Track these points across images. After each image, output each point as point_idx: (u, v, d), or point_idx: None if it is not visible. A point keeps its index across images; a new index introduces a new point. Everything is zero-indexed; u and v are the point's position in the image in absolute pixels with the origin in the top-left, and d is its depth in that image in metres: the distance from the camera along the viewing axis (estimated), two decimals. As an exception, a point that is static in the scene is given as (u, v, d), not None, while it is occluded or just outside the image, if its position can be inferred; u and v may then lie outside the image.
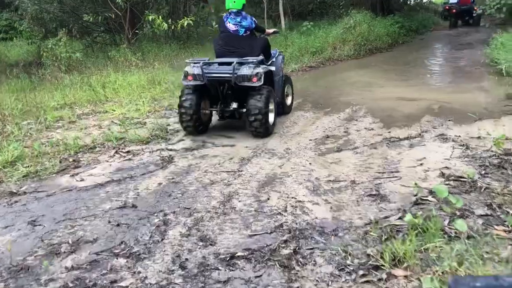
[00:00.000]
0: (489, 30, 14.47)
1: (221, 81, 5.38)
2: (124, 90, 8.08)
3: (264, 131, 5.33)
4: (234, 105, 5.57)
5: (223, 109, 5.64)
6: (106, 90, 8.12)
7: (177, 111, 5.89)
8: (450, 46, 13.98)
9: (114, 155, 5.00)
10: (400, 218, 3.10)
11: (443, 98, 7.01)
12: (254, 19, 5.86)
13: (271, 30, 6.67)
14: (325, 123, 6.00)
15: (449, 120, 5.65)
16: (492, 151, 4.34)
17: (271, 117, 5.49)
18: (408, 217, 2.81)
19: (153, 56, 11.20)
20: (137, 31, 12.48)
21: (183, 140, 5.51)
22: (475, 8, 18.12)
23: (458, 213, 3.07)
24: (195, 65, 5.36)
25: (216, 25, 12.63)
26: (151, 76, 8.84)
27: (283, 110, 6.40)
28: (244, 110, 5.38)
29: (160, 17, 10.59)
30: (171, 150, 5.13)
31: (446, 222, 2.95)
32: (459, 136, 4.94)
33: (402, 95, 7.42)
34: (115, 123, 6.29)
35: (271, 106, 5.49)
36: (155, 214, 3.45)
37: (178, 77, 8.44)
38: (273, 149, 4.97)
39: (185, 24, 10.71)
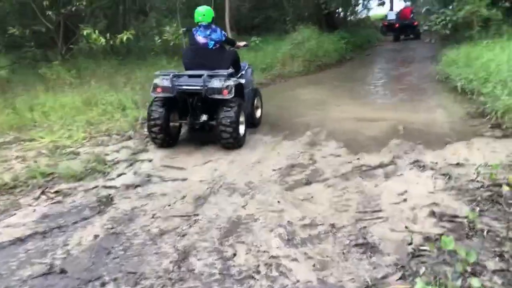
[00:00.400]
0: (434, 45, 14.77)
1: (191, 93, 5.36)
2: (56, 113, 7.09)
3: (234, 142, 5.33)
4: (204, 117, 5.54)
5: (193, 121, 5.62)
6: (34, 113, 7.09)
7: (117, 136, 6.05)
8: (398, 61, 13.98)
9: (40, 197, 4.13)
10: (401, 278, 2.52)
11: (404, 117, 6.66)
12: (224, 32, 5.87)
13: (241, 43, 6.52)
14: (287, 148, 5.41)
15: (419, 144, 5.24)
16: (478, 181, 3.91)
17: (242, 129, 5.51)
18: (420, 285, 2.21)
19: (90, 73, 10.19)
20: (71, 46, 11.40)
21: (124, 174, 4.72)
22: (415, 23, 18.88)
23: (469, 269, 2.53)
24: (164, 77, 5.31)
25: (159, 40, 12.07)
26: (87, 96, 7.88)
27: (253, 122, 6.35)
28: (214, 122, 5.37)
29: (96, 31, 9.64)
30: (110, 187, 4.32)
31: (458, 283, 2.39)
32: (436, 163, 4.50)
33: (360, 115, 7.01)
34: (43, 153, 5.35)
35: (242, 118, 5.51)
36: (90, 284, 2.66)
37: (118, 97, 7.61)
38: (232, 183, 4.29)
39: (125, 38, 9.83)
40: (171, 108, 5.48)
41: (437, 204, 3.50)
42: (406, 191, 3.83)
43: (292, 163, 4.81)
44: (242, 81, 5.85)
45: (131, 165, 5.00)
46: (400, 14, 20.62)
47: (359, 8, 22.85)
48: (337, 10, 19.80)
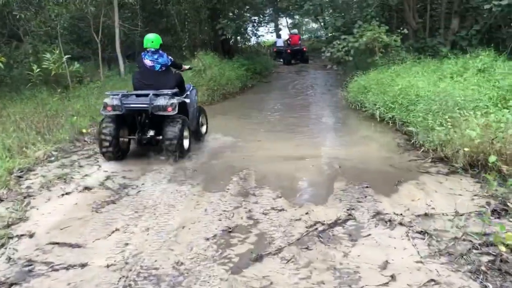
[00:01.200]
0: (333, 72, 14.89)
1: (138, 111, 5.80)
2: None
3: (178, 154, 5.72)
4: (151, 132, 5.95)
5: (140, 137, 5.98)
6: None
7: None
8: (302, 89, 13.66)
9: None
10: None
11: (334, 153, 6.01)
12: (170, 57, 6.39)
13: (186, 67, 7.37)
14: (215, 202, 4.33)
15: (367, 187, 4.53)
16: (465, 239, 3.21)
17: (186, 142, 5.99)
18: None
19: None
20: None
21: (-8, 263, 3.26)
22: (304, 48, 19.71)
23: None
24: (114, 96, 5.71)
25: (38, 69, 10.25)
26: None
27: (198, 138, 6.83)
28: (160, 137, 5.78)
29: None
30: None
31: None
32: (401, 215, 3.76)
33: (285, 152, 6.21)
34: None
35: (186, 133, 5.96)
36: None
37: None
38: (154, 267, 3.10)
39: (-7, 67, 8.04)
40: (120, 125, 5.85)
41: (437, 283, 2.69)
42: (387, 262, 2.98)
43: (228, 226, 3.75)
44: (187, 100, 6.36)
45: (2, 245, 3.55)
46: (290, 41, 21.74)
47: (249, 35, 22.65)
48: (231, 37, 19.32)
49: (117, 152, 5.81)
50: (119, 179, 5.23)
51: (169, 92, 5.75)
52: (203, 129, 7.17)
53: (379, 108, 7.68)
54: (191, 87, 6.97)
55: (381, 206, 4.00)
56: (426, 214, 3.72)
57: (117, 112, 5.68)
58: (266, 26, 31.76)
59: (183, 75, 6.74)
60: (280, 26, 37.60)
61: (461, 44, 11.72)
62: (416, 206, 3.92)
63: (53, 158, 5.97)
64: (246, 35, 19.41)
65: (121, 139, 5.90)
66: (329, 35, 18.86)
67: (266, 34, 31.51)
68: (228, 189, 4.72)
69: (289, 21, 38.63)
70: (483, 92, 6.46)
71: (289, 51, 21.06)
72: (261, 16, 22.83)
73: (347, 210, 3.94)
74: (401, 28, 11.52)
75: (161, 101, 5.60)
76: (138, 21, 13.14)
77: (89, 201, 4.50)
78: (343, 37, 11.50)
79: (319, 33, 37.94)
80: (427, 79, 7.93)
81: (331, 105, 9.93)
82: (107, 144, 5.69)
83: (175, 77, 6.45)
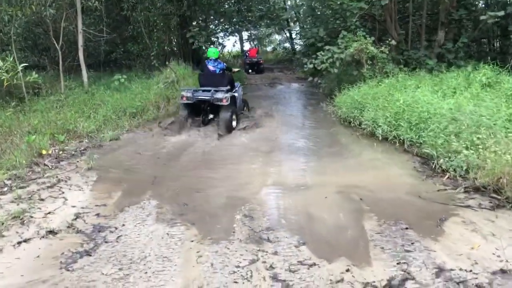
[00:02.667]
0: (305, 83, 14.26)
1: (203, 101, 8.23)
2: None
3: (229, 131, 8.06)
4: (211, 116, 8.62)
5: (203, 118, 8.53)
6: None
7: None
8: (281, 101, 12.83)
9: None
10: None
11: (345, 180, 5.17)
12: (225, 63, 9.07)
13: (235, 69, 10.30)
14: (221, 253, 3.40)
15: (406, 228, 3.70)
16: None
17: (234, 123, 8.35)
18: None
19: None
20: None
21: None
22: (261, 61, 22.17)
23: None
24: (188, 90, 8.43)
25: None
26: None
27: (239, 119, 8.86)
28: (217, 119, 8.28)
29: None
30: None
31: None
32: (470, 271, 2.96)
33: (286, 180, 5.32)
34: None
35: (234, 117, 8.37)
36: None
37: None
38: None
39: None
40: (191, 110, 8.39)
41: None
42: None
43: (247, 291, 2.82)
44: (236, 94, 8.86)
45: None
46: (248, 54, 23.32)
47: (220, 44, 21.83)
48: (201, 46, 18.38)
49: (186, 127, 8.32)
50: (91, 217, 4.20)
51: (224, 89, 8.24)
52: (247, 110, 9.90)
53: (381, 125, 6.94)
54: (238, 85, 9.49)
55: (438, 257, 3.18)
56: (503, 271, 2.92)
57: (189, 101, 8.22)
58: (232, 37, 31.11)
59: (233, 76, 9.40)
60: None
61: (447, 57, 11.29)
62: (482, 258, 3.13)
63: (5, 189, 4.87)
64: (217, 44, 18.48)
65: (190, 119, 8.46)
66: (305, 46, 18.37)
67: (231, 45, 30.99)
68: (233, 232, 3.78)
69: (253, 32, 38.23)
70: (502, 109, 5.82)
71: (248, 62, 22.48)
72: (229, 26, 21.99)
73: (398, 264, 3.09)
74: (389, 40, 10.91)
75: (219, 95, 8.04)
76: (104, 26, 11.95)
77: (56, 252, 3.46)
78: (327, 48, 10.78)
79: (285, 44, 37.76)
80: (431, 94, 7.27)
81: (321, 121, 9.12)
82: (182, 122, 8.32)
83: (228, 78, 8.89)
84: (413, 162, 5.74)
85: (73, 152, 6.64)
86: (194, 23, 16.66)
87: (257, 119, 9.23)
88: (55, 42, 10.27)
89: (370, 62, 10.45)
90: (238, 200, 4.58)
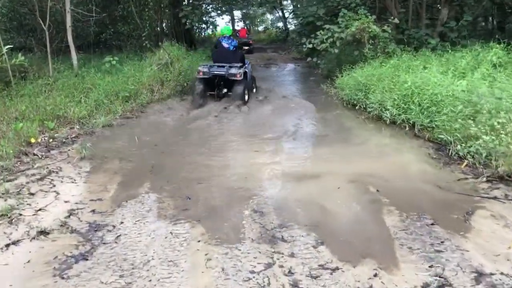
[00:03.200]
0: (301, 63, 13.78)
1: (218, 76, 8.96)
2: None
3: (243, 102, 8.73)
4: (225, 90, 9.16)
5: (218, 92, 9.14)
6: None
7: None
8: (278, 84, 12.40)
9: None
10: None
11: (357, 168, 4.86)
12: (236, 41, 9.84)
13: (245, 48, 11.87)
14: (232, 255, 3.07)
15: (432, 224, 3.41)
16: None
17: (246, 96, 8.97)
18: None
19: None
20: None
21: None
22: (251, 41, 21.86)
23: None
24: (204, 66, 9.18)
25: None
26: None
27: (251, 91, 9.73)
28: (231, 93, 8.98)
29: None
30: None
31: None
32: (508, 274, 2.66)
33: (292, 168, 4.99)
34: None
35: (246, 91, 9.00)
36: None
37: None
38: None
39: None
40: (206, 84, 8.98)
41: None
42: None
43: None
44: (246, 70, 9.40)
45: None
46: (239, 34, 23.76)
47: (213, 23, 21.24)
48: (194, 26, 17.83)
49: (202, 101, 8.88)
50: (86, 214, 3.85)
51: (238, 65, 9.11)
52: (254, 88, 10.29)
53: (389, 109, 6.61)
54: (248, 62, 10.08)
55: (473, 258, 2.89)
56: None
57: (206, 76, 8.90)
58: (226, 16, 30.53)
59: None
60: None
61: (449, 35, 10.92)
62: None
63: (-9, 183, 4.48)
64: (209, 24, 17.94)
65: (206, 92, 9.05)
66: (301, 25, 17.87)
67: (223, 25, 30.43)
68: (243, 230, 3.46)
69: (245, 12, 37.49)
70: (518, 91, 5.51)
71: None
72: (222, 4, 21.39)
73: (431, 267, 2.79)
74: (391, 18, 10.50)
75: (233, 70, 8.82)
76: (93, 6, 11.37)
77: (48, 257, 3.12)
78: (327, 26, 10.37)
79: (278, 24, 37.14)
80: (440, 75, 6.93)
81: (323, 103, 8.77)
82: (198, 95, 8.87)
83: (240, 55, 9.64)
84: (426, 148, 5.43)
85: (64, 140, 6.24)
86: (185, 2, 16.07)
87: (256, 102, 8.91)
88: (41, 22, 9.74)
89: (372, 41, 10.07)
90: (244, 192, 4.26)
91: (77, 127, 6.98)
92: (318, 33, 10.46)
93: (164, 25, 15.83)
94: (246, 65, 9.65)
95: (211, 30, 22.34)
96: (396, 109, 6.48)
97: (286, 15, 32.74)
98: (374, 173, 4.63)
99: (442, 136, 5.31)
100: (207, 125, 7.39)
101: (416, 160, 5.04)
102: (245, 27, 26.98)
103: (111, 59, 9.96)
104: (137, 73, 9.86)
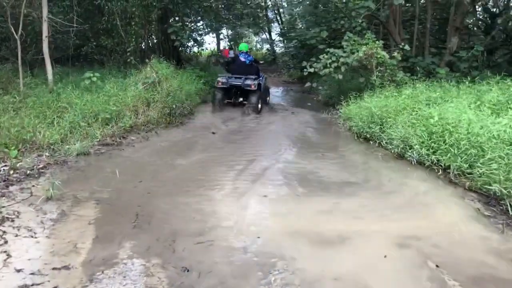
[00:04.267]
0: (295, 88, 12.92)
1: (235, 86, 10.36)
2: None
3: (256, 112, 10.09)
4: (241, 99, 10.56)
5: (235, 101, 10.61)
6: None
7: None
8: (275, 109, 11.53)
9: None
10: None
11: (402, 228, 3.88)
12: (252, 56, 11.47)
13: (261, 62, 13.08)
14: None
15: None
16: None
17: (259, 106, 10.35)
18: None
19: None
20: None
21: None
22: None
23: None
24: (223, 77, 10.65)
25: None
26: None
27: (266, 103, 11.49)
28: (246, 101, 10.27)
29: None
30: None
31: None
32: None
33: (312, 224, 4.00)
34: None
35: (259, 100, 10.35)
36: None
37: None
38: None
39: None
40: (225, 93, 10.55)
41: None
42: None
43: None
44: (261, 82, 10.89)
45: None
46: (224, 53, 23.85)
47: (203, 41, 20.34)
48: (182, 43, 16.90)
49: (222, 106, 10.39)
50: (46, 292, 2.75)
51: (253, 77, 10.35)
52: (268, 99, 11.67)
53: (415, 147, 5.71)
54: (263, 75, 11.33)
55: None
56: None
57: (224, 86, 10.33)
58: (211, 34, 29.74)
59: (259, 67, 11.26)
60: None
61: (458, 66, 10.22)
62: None
63: None
64: (200, 41, 17.02)
65: (224, 100, 10.49)
66: (295, 47, 17.12)
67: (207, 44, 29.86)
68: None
69: (231, 32, 36.82)
70: None
71: (221, 62, 23.03)
72: (213, 22, 20.50)
73: None
74: (402, 44, 9.74)
75: (249, 82, 10.12)
76: (74, 16, 10.32)
77: None
78: (331, 50, 9.53)
79: (264, 46, 36.59)
80: (470, 110, 6.08)
81: (330, 136, 7.85)
82: (218, 103, 10.40)
83: (255, 68, 10.87)
84: (471, 200, 4.50)
85: (28, 172, 5.12)
86: (172, 19, 15.10)
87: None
88: (13, 30, 8.63)
89: (380, 68, 9.27)
90: (260, 258, 3.23)
91: (47, 154, 5.88)
92: (321, 56, 9.61)
93: (151, 40, 14.79)
94: (261, 78, 11.01)
95: (197, 48, 21.61)
96: (424, 148, 5.57)
97: (274, 36, 32.26)
98: (421, 235, 3.66)
99: (492, 187, 4.39)
100: (198, 160, 6.36)
101: (466, 217, 4.10)
102: (227, 48, 26.92)
103: (91, 75, 8.87)
104: (120, 92, 8.79)
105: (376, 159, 6.15)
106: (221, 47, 30.68)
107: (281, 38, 27.10)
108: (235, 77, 10.40)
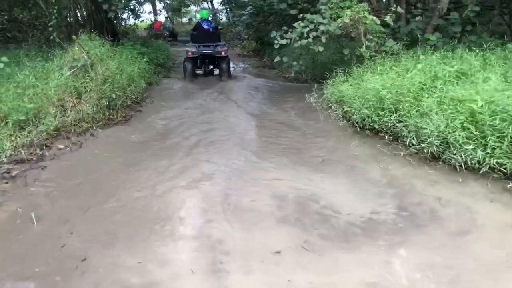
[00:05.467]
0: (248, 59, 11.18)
1: (206, 54, 10.52)
2: None
3: (228, 77, 10.54)
4: (211, 66, 10.99)
5: (205, 69, 10.96)
6: None
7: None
8: (235, 90, 9.64)
9: None
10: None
11: None
12: (213, 23, 11.56)
13: (219, 28, 12.79)
14: None
15: None
16: None
17: (231, 71, 10.92)
18: None
19: None
20: None
21: None
22: (165, 34, 23.24)
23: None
24: (192, 46, 10.64)
25: None
26: None
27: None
28: (217, 69, 10.79)
29: None
30: None
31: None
32: None
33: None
34: None
35: (230, 66, 10.90)
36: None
37: None
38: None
39: None
40: (195, 62, 10.68)
41: None
42: None
43: None
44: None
45: None
46: (154, 27, 24.00)
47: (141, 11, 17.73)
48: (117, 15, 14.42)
49: (192, 77, 10.62)
50: None
51: (222, 43, 11.06)
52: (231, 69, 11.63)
53: (464, 146, 4.13)
54: (224, 43, 11.72)
55: None
56: None
57: (195, 55, 10.54)
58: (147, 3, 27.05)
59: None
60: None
61: (448, 30, 8.76)
62: None
63: None
64: (137, 12, 14.62)
65: (195, 69, 10.81)
66: (250, 15, 15.13)
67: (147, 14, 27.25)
68: None
69: (168, 2, 33.96)
70: None
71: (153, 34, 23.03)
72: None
73: None
74: (395, 6, 8.07)
75: (219, 48, 10.52)
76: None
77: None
78: (308, 17, 7.74)
79: (210, 15, 33.99)
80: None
81: (326, 128, 6.13)
82: (189, 73, 10.57)
83: (218, 34, 11.34)
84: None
85: None
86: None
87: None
88: None
89: (369, 37, 7.61)
90: None
91: None
92: (295, 24, 7.78)
93: (79, 12, 12.27)
94: (223, 43, 11.39)
95: (134, 20, 18.90)
96: (480, 149, 4.00)
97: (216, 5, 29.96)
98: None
99: None
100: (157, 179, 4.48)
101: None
102: (158, 20, 26.71)
103: (-3, 59, 6.57)
104: (40, 81, 6.58)
105: (403, 164, 4.52)
106: (158, 19, 28.17)
107: (224, 7, 24.95)
108: (204, 46, 10.44)
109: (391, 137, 5.16)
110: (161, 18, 30.21)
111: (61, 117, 6.03)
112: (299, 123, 6.45)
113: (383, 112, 5.34)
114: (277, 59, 8.82)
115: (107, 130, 6.26)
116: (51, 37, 9.65)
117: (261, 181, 4.26)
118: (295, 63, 8.59)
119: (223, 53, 10.34)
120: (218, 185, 4.18)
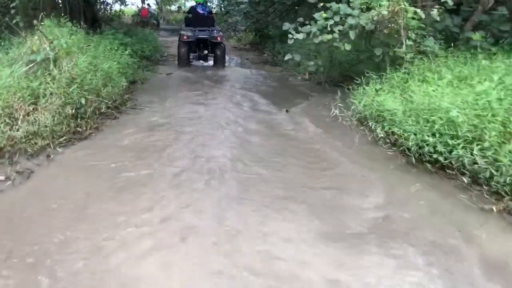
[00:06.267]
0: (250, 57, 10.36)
1: (201, 39, 10.29)
2: None
3: (223, 64, 10.69)
4: (206, 51, 10.66)
5: (200, 53, 10.71)
6: None
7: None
8: (236, 90, 8.06)
9: None
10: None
11: None
12: (208, 8, 11.44)
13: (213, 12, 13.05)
14: None
15: None
16: None
17: (225, 58, 11.01)
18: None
19: None
20: None
21: None
22: (153, 22, 23.89)
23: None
24: (188, 30, 10.31)
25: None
26: None
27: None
28: (212, 54, 10.64)
29: None
30: None
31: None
32: None
33: None
34: None
35: (225, 54, 10.82)
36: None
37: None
38: None
39: None
40: (190, 46, 10.52)
41: None
42: None
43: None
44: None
45: None
46: (141, 13, 24.10)
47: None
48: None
49: (186, 61, 10.55)
50: None
51: (218, 28, 10.90)
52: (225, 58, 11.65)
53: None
54: (219, 28, 11.49)
55: None
56: None
57: (190, 39, 10.30)
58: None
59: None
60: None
61: (492, 29, 7.28)
62: None
63: None
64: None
65: (190, 54, 10.65)
66: (250, 3, 13.52)
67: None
68: None
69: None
70: None
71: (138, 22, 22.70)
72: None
73: None
74: (443, -2, 6.55)
75: (215, 33, 10.33)
76: None
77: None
78: (335, 6, 6.18)
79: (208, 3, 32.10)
80: None
81: (361, 157, 4.59)
82: (183, 57, 10.46)
83: (213, 19, 11.25)
84: None
85: None
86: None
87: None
88: None
89: (410, 34, 6.10)
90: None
91: None
92: (316, 16, 6.23)
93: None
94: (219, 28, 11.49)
95: (120, 5, 17.00)
96: None
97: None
98: None
99: None
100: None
101: None
102: (146, 7, 26.32)
103: None
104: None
105: (501, 228, 3.01)
106: (145, 5, 26.44)
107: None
108: (199, 30, 10.31)
109: (469, 178, 3.64)
110: (151, 4, 28.64)
111: (6, 130, 4.41)
112: (326, 148, 4.86)
113: (455, 142, 3.82)
114: (287, 56, 7.24)
115: (70, 148, 4.66)
116: (14, 21, 7.94)
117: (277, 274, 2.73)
118: (311, 62, 7.01)
119: (218, 39, 10.24)
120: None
